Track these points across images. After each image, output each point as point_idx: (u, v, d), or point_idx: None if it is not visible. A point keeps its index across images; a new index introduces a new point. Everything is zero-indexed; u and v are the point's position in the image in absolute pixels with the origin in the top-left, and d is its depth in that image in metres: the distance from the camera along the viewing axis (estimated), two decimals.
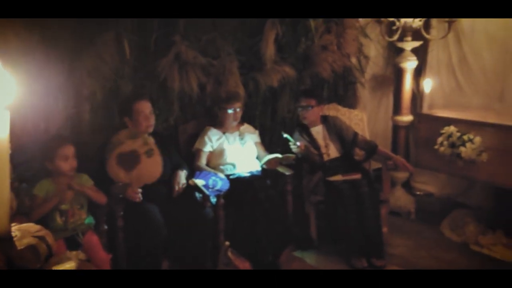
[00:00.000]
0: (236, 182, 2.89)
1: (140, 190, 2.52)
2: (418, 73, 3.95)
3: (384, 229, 3.12)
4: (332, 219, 3.03)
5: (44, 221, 2.27)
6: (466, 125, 3.06)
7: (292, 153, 3.07)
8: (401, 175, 3.77)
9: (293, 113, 3.52)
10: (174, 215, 2.58)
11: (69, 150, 2.39)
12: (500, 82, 3.57)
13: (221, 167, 3.04)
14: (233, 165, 3.06)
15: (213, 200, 2.80)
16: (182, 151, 3.12)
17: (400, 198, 3.75)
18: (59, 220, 2.33)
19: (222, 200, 2.76)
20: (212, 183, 2.72)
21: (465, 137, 3.00)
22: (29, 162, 2.50)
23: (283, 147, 3.21)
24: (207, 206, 2.73)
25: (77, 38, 2.67)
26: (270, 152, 3.13)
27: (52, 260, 2.00)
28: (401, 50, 3.71)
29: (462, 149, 3.00)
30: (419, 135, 3.48)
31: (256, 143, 3.20)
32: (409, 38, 3.60)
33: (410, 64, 3.67)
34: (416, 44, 3.63)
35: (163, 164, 2.62)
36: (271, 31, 3.27)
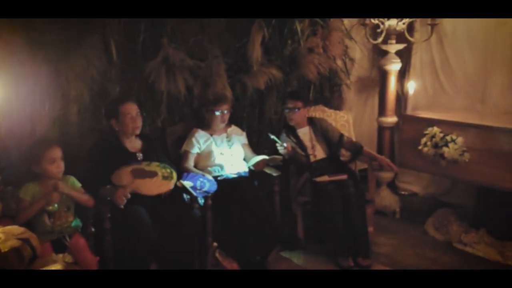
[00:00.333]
0: (224, 184, 2.90)
1: (129, 195, 2.49)
2: (402, 75, 4.02)
3: (370, 229, 3.16)
4: (318, 220, 3.06)
5: (32, 224, 2.26)
6: (449, 126, 3.11)
7: (279, 154, 3.10)
8: (386, 175, 3.83)
9: (280, 115, 3.55)
10: (162, 216, 2.57)
11: (56, 152, 2.36)
12: (482, 83, 3.66)
13: (209, 168, 3.05)
14: (221, 167, 3.07)
15: (201, 201, 2.80)
16: (170, 153, 3.12)
17: (385, 198, 3.80)
18: (47, 221, 2.31)
19: (209, 202, 2.76)
20: (200, 185, 2.73)
21: (448, 138, 3.06)
22: (15, 165, 2.48)
23: (270, 148, 3.24)
24: (194, 208, 2.74)
25: (64, 40, 2.65)
26: (258, 154, 3.15)
27: (38, 263, 2.00)
28: (385, 53, 3.78)
29: (445, 149, 3.05)
30: (404, 136, 3.53)
31: (243, 145, 3.22)
32: (393, 41, 3.66)
33: (394, 66, 3.73)
34: (400, 46, 3.70)
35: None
36: (257, 33, 3.29)
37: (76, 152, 2.58)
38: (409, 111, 3.95)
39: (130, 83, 2.99)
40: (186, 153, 3.06)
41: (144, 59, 2.97)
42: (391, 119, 3.83)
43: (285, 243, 3.07)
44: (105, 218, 2.47)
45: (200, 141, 3.07)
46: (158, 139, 3.07)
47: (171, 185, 2.60)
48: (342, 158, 3.39)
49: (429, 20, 3.52)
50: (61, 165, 2.38)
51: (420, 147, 3.22)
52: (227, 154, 3.10)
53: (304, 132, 3.30)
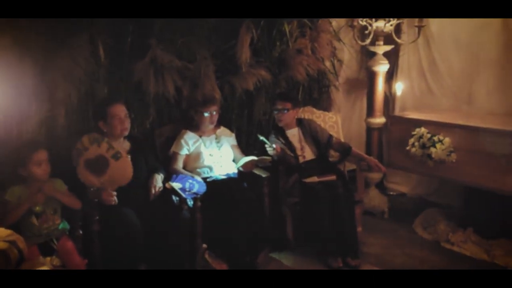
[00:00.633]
0: (213, 185, 2.90)
1: (115, 193, 2.50)
2: (390, 76, 4.05)
3: (359, 229, 3.18)
4: (308, 220, 3.07)
5: (19, 226, 2.23)
6: (436, 127, 3.15)
7: (268, 155, 3.11)
8: (375, 176, 3.85)
9: (269, 116, 3.56)
10: (151, 218, 2.56)
11: (42, 155, 2.35)
12: (468, 85, 3.70)
13: (198, 170, 3.04)
14: (210, 168, 3.06)
15: (190, 203, 2.79)
16: (159, 154, 3.11)
17: (374, 198, 3.83)
18: (35, 222, 2.30)
19: (199, 203, 2.76)
20: (189, 186, 2.72)
21: (435, 138, 3.09)
22: (1, 167, 2.44)
23: (260, 149, 3.24)
24: (184, 209, 2.73)
25: (51, 40, 2.62)
26: (247, 155, 3.15)
27: (25, 265, 1.98)
28: (373, 54, 3.81)
29: (432, 149, 3.09)
30: (392, 137, 3.56)
31: (232, 146, 3.22)
32: (381, 42, 3.69)
33: (382, 68, 3.76)
34: (388, 48, 3.73)
35: (134, 164, 2.60)
36: (246, 35, 3.29)
37: (63, 154, 2.55)
38: (397, 112, 3.99)
39: (118, 84, 2.96)
40: (175, 155, 3.05)
41: (132, 60, 2.95)
42: (379, 120, 3.86)
43: (275, 244, 3.08)
44: (93, 221, 2.45)
45: (189, 143, 3.06)
46: (147, 141, 3.06)
47: (127, 161, 2.57)
48: (331, 159, 3.42)
49: (416, 22, 3.56)
50: (47, 168, 2.37)
51: (408, 148, 3.25)
52: (216, 156, 3.10)
53: (293, 133, 3.31)
